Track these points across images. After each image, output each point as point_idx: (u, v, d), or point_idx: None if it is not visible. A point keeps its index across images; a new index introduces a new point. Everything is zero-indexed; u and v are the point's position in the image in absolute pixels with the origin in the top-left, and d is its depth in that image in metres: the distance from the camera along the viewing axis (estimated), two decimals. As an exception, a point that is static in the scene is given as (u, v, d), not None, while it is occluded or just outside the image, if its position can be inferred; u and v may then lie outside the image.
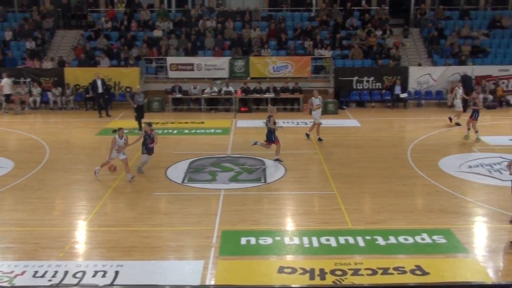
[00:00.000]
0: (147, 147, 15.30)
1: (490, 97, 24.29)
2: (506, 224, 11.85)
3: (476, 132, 18.68)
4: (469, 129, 18.85)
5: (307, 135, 19.09)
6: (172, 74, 25.87)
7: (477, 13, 29.96)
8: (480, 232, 11.76)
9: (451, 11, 30.04)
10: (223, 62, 25.81)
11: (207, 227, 11.73)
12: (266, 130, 16.71)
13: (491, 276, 9.69)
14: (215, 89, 24.63)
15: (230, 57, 25.95)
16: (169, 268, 10.01)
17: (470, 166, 15.93)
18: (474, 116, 18.49)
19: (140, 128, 19.94)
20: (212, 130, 20.74)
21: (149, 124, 15.70)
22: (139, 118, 20.46)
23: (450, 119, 21.31)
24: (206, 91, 24.70)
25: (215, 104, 24.76)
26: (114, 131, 15.35)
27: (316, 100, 18.78)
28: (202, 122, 22.22)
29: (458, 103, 21.49)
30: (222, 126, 21.36)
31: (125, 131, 15.47)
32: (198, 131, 20.76)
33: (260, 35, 27.39)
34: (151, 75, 26.69)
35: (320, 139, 18.63)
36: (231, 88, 24.58)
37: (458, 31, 27.54)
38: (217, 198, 13.49)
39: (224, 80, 25.45)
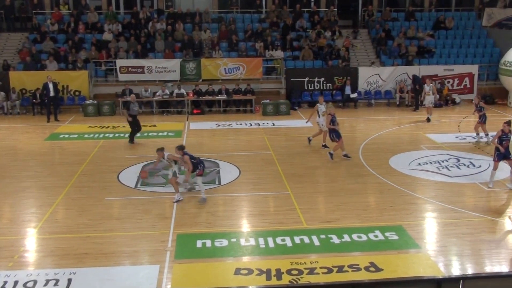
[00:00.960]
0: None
1: (437, 96, 24.97)
2: (454, 219, 12.23)
3: (487, 135, 18.61)
4: (477, 134, 18.84)
5: (309, 140, 18.44)
6: (122, 77, 25.47)
7: (422, 14, 30.81)
8: (430, 228, 12.08)
9: (397, 12, 30.78)
10: (174, 64, 25.60)
11: (161, 231, 11.61)
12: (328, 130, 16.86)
13: (442, 270, 9.96)
14: (167, 91, 24.40)
15: (181, 59, 25.76)
16: (123, 273, 9.84)
17: (419, 164, 16.35)
18: (482, 119, 18.44)
19: (132, 141, 18.92)
20: (165, 133, 20.53)
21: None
22: (136, 129, 19.18)
23: (427, 119, 22.05)
24: (157, 93, 24.44)
25: (167, 106, 24.52)
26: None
27: (322, 107, 17.86)
28: (154, 125, 21.97)
29: (429, 99, 22.14)
30: (175, 128, 21.17)
31: (75, 135, 15.10)
32: (150, 134, 20.50)
33: (211, 37, 27.32)
34: (100, 78, 26.20)
35: (325, 146, 17.85)
36: (183, 91, 24.40)
37: (404, 32, 28.25)
38: (171, 201, 13.35)
39: (175, 82, 25.24)
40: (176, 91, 24.44)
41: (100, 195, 13.83)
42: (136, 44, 26.63)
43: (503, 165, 15.89)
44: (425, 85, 22.49)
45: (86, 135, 20.29)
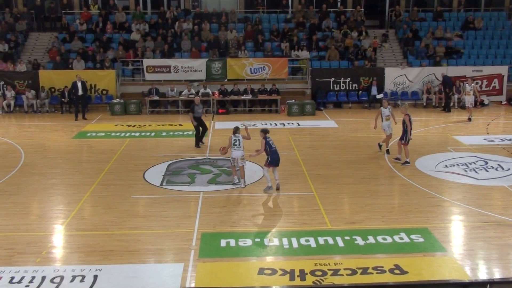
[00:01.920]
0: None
1: (466, 98, 24.61)
2: (482, 222, 12.04)
3: None
4: None
5: (379, 146, 17.79)
6: (148, 76, 25.70)
7: (450, 14, 30.42)
8: (457, 231, 11.91)
9: (425, 12, 30.44)
10: (200, 64, 25.73)
11: (186, 229, 11.67)
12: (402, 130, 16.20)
13: (469, 274, 9.82)
14: (193, 91, 24.55)
15: (207, 59, 25.89)
16: (148, 271, 9.93)
17: (446, 166, 16.13)
18: None
19: (198, 144, 18.41)
20: (190, 132, 20.62)
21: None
22: (201, 131, 18.60)
23: (469, 119, 22.18)
24: (183, 93, 24.59)
25: (192, 106, 24.66)
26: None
27: (386, 111, 17.30)
28: (180, 124, 22.12)
29: (469, 100, 22.33)
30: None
31: (102, 134, 15.30)
32: (176, 133, 20.66)
33: (236, 37, 27.39)
34: (127, 77, 26.49)
35: (387, 151, 17.38)
36: (208, 90, 24.52)
37: (432, 32, 27.92)
38: (196, 200, 13.43)
39: (201, 82, 25.38)
40: (201, 90, 24.57)
41: (126, 193, 13.98)
42: (163, 43, 26.85)
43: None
44: (467, 84, 22.72)
45: (112, 134, 20.54)
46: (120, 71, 26.04)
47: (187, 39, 27.23)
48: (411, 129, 16.16)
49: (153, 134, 20.56)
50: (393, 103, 25.50)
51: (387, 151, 17.47)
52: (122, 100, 24.65)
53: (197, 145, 18.50)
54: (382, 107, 17.53)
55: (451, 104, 24.77)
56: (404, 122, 16.15)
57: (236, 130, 14.63)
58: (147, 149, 18.30)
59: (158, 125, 21.92)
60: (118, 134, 20.54)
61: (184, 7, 30.41)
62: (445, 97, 24.49)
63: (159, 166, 16.32)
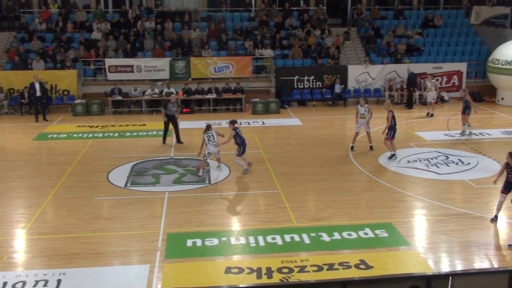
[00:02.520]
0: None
1: (426, 94, 25.10)
2: (444, 216, 12.29)
3: (466, 125, 19.47)
4: (464, 124, 19.50)
5: (371, 148, 17.71)
6: (111, 76, 25.34)
7: (410, 12, 30.93)
8: (419, 225, 12.14)
9: (386, 11, 30.88)
10: (163, 63, 25.51)
11: (151, 230, 11.57)
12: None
13: (432, 267, 10.01)
14: (156, 90, 24.32)
15: (170, 58, 25.67)
16: (113, 274, 9.80)
17: (408, 161, 16.41)
18: (466, 111, 19.20)
19: (164, 141, 18.57)
20: (154, 132, 20.46)
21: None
22: (174, 131, 18.79)
23: (431, 114, 22.73)
24: (147, 93, 24.34)
25: (156, 105, 24.43)
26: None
27: (361, 109, 17.28)
28: (144, 124, 21.89)
29: (431, 96, 22.94)
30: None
31: (63, 135, 15.04)
32: (140, 133, 20.44)
33: (200, 36, 27.26)
34: (89, 77, 26.05)
35: (352, 148, 17.66)
36: (172, 90, 24.32)
37: (393, 30, 28.35)
38: (162, 200, 13.33)
39: (165, 81, 25.17)
40: (165, 90, 24.36)
41: (89, 195, 13.76)
42: (125, 43, 26.52)
43: (486, 161, 16.09)
44: (427, 81, 23.30)
45: (75, 135, 20.18)
46: (81, 71, 25.59)
47: (150, 38, 26.95)
48: (393, 124, 16.53)
49: (116, 134, 20.29)
50: (356, 100, 25.85)
51: (352, 148, 17.67)
52: (84, 101, 24.23)
53: (164, 141, 18.63)
54: (359, 105, 17.64)
55: (414, 100, 25.23)
56: (388, 118, 16.51)
57: (208, 128, 15.23)
58: (111, 150, 18.05)
59: (121, 126, 21.64)
60: (80, 135, 20.19)
61: (147, 6, 30.07)
62: (408, 94, 24.90)
63: (123, 167, 16.12)
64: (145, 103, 24.44)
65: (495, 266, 10.03)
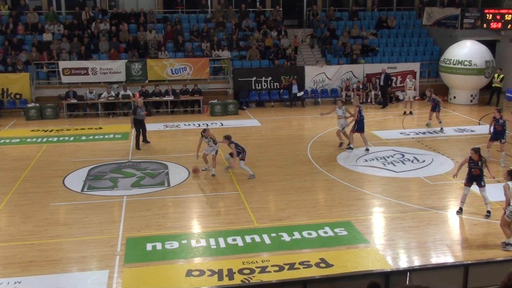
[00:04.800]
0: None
1: (409, 92, 25.47)
2: (401, 213, 12.55)
3: (430, 120, 20.68)
4: (440, 122, 20.33)
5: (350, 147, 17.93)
6: (65, 79, 24.80)
7: (365, 13, 31.44)
8: (378, 222, 12.35)
9: (341, 12, 31.28)
10: (119, 65, 25.14)
11: (110, 235, 11.39)
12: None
13: (390, 263, 10.20)
14: (112, 93, 23.94)
15: (126, 60, 25.33)
16: (71, 280, 9.61)
17: (366, 160, 16.68)
18: (436, 108, 20.23)
19: (139, 146, 18.12)
20: (111, 136, 20.15)
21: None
22: (142, 133, 18.49)
23: (406, 113, 23.33)
24: (102, 95, 23.94)
25: (112, 108, 24.06)
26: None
27: (339, 111, 17.81)
28: (100, 128, 21.52)
29: (411, 94, 23.81)
30: (121, 131, 20.79)
31: (16, 140, 14.63)
32: (96, 137, 20.08)
33: (156, 37, 26.99)
34: (42, 80, 25.43)
35: (341, 144, 18.15)
36: (129, 92, 24.00)
37: (348, 31, 28.75)
38: (120, 205, 13.14)
39: (121, 83, 24.81)
40: (122, 92, 24.02)
41: (44, 201, 13.44)
42: (79, 45, 26.01)
43: (440, 159, 16.51)
44: (408, 80, 24.01)
45: (28, 140, 19.67)
46: (34, 74, 24.96)
47: (104, 40, 26.52)
48: (355, 119, 17.40)
49: (72, 138, 19.87)
50: (313, 100, 26.11)
51: (341, 144, 18.12)
52: (37, 104, 23.63)
53: (137, 147, 18.20)
54: (337, 107, 18.19)
55: (369, 100, 25.67)
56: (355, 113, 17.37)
57: (205, 131, 15.66)
58: (66, 154, 17.66)
59: (77, 129, 21.20)
60: (34, 139, 19.68)
61: (101, 7, 29.58)
62: (382, 93, 25.30)
63: (79, 171, 15.80)
64: (101, 106, 24.03)
65: (451, 260, 10.29)
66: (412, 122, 21.83)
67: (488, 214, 12.30)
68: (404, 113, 23.36)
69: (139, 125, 18.39)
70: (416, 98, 26.17)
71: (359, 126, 17.57)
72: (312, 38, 28.63)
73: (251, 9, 30.11)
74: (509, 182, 10.71)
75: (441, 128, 20.23)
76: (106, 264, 10.11)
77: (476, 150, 12.21)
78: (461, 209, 12.48)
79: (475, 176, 12.17)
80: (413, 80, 24.07)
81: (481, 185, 12.20)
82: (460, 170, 12.54)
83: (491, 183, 13.33)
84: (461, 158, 16.55)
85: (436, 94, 26.61)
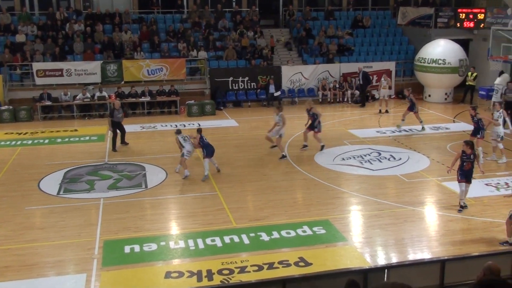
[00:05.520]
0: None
1: (357, 92, 25.77)
2: (378, 211, 12.66)
3: (402, 120, 20.49)
4: (421, 121, 20.36)
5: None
6: (39, 80, 24.46)
7: (341, 13, 31.64)
8: (355, 220, 12.44)
9: (317, 12, 31.44)
10: (94, 66, 24.89)
11: (87, 238, 11.28)
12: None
13: (368, 261, 10.28)
14: (88, 94, 23.69)
15: (101, 61, 25.09)
16: (48, 285, 9.49)
17: (343, 159, 16.79)
18: (414, 109, 20.18)
19: (114, 148, 17.95)
20: (87, 138, 19.94)
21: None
22: (120, 135, 18.40)
23: (382, 111, 23.51)
24: (78, 97, 23.67)
25: (88, 110, 23.81)
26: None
27: (276, 118, 17.23)
28: (76, 130, 21.27)
29: (385, 93, 23.95)
30: (98, 132, 20.59)
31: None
32: (72, 139, 19.84)
33: (132, 38, 26.79)
34: (16, 82, 25.03)
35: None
36: (104, 93, 23.77)
37: (324, 31, 28.90)
38: (97, 207, 13.01)
39: (96, 85, 24.56)
40: (97, 94, 23.79)
41: (20, 205, 13.23)
42: (54, 46, 25.67)
43: (416, 156, 16.68)
44: (382, 79, 24.14)
45: (2, 143, 19.35)
46: (7, 76, 24.57)
47: (79, 41, 26.22)
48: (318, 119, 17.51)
49: (47, 141, 19.61)
50: (290, 100, 26.18)
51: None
52: (11, 107, 23.26)
53: (114, 149, 18.04)
54: (274, 114, 17.78)
55: (345, 99, 25.87)
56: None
57: (179, 132, 15.74)
58: (41, 157, 17.42)
59: (52, 132, 20.92)
60: (8, 143, 19.38)
61: (75, 8, 29.26)
62: (361, 92, 25.46)
63: (55, 174, 15.60)
64: (76, 108, 23.76)
65: (428, 257, 10.41)
66: (388, 121, 22.03)
67: (461, 209, 12.43)
68: (380, 111, 23.57)
69: (116, 127, 18.22)
70: (392, 97, 26.46)
71: (316, 126, 17.62)
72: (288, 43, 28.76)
73: (227, 9, 30.07)
74: None
75: (422, 127, 20.27)
76: (83, 268, 10.00)
77: (468, 143, 12.30)
78: (461, 206, 12.48)
79: (467, 170, 12.20)
80: (388, 79, 24.30)
81: (469, 181, 12.33)
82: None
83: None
84: (437, 156, 16.89)
85: (413, 92, 27.08)
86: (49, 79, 24.49)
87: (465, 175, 12.29)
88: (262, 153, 17.57)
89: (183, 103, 24.18)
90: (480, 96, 24.48)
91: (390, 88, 24.14)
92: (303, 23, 29.41)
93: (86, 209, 13.02)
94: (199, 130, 15.58)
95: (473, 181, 12.63)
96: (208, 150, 15.18)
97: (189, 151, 15.37)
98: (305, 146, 17.83)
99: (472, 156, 12.17)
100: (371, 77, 25.92)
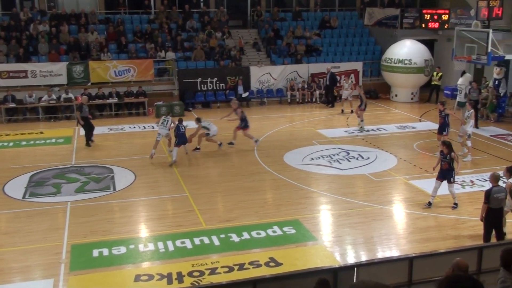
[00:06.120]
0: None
1: (346, 92, 25.83)
2: (347, 210, 12.77)
3: (362, 121, 20.66)
4: (362, 120, 20.70)
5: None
6: (3, 82, 23.90)
7: (308, 14, 31.83)
8: (325, 220, 12.53)
9: (285, 12, 31.55)
10: (60, 67, 24.46)
11: (54, 242, 11.07)
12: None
13: (338, 260, 10.36)
14: (54, 96, 23.28)
15: (67, 62, 24.67)
16: (14, 291, 9.27)
17: (312, 159, 16.88)
18: (361, 106, 20.57)
19: (88, 143, 18.46)
20: (53, 140, 19.58)
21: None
22: (89, 131, 18.66)
23: (344, 112, 23.75)
24: (43, 99, 23.24)
25: (54, 112, 23.39)
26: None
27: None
28: (42, 132, 20.87)
29: (347, 94, 24.30)
30: (64, 135, 20.24)
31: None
32: (37, 142, 19.45)
33: (98, 39, 26.44)
34: (-22, 84, 24.43)
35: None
36: (71, 95, 23.39)
37: (292, 31, 29.03)
38: (64, 211, 12.79)
39: (62, 86, 24.14)
40: (63, 95, 23.39)
41: (-17, 210, 12.92)
42: (18, 47, 25.14)
43: (384, 155, 16.90)
44: (344, 82, 24.62)
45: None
46: (-31, 78, 23.97)
47: (44, 41, 25.75)
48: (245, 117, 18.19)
49: (11, 144, 19.18)
50: (259, 100, 26.21)
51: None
52: (-27, 109, 22.73)
53: (87, 144, 18.55)
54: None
55: (314, 99, 26.02)
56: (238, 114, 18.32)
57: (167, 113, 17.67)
58: (6, 161, 17.03)
59: (16, 134, 20.47)
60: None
61: (39, 8, 28.71)
62: (328, 92, 25.60)
63: (20, 178, 15.26)
64: (42, 110, 23.32)
65: (396, 254, 10.55)
66: (356, 120, 22.23)
67: (455, 206, 12.73)
68: (342, 111, 23.76)
69: (86, 122, 18.53)
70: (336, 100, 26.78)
71: (246, 123, 18.19)
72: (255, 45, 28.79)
73: (195, 10, 29.93)
74: (510, 180, 10.73)
75: (361, 127, 20.57)
76: (50, 273, 9.81)
77: (446, 143, 12.62)
78: (429, 203, 12.79)
79: (444, 170, 12.49)
80: (350, 81, 24.51)
81: (450, 181, 12.57)
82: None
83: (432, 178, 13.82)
84: (404, 155, 17.16)
85: (380, 92, 27.48)
86: (13, 80, 23.96)
87: (442, 174, 12.58)
88: (231, 154, 17.54)
89: (151, 104, 23.98)
90: (445, 96, 24.94)
91: (353, 89, 24.25)
92: (271, 24, 29.49)
93: (53, 213, 12.78)
94: (180, 120, 16.81)
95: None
96: (180, 140, 16.40)
97: (160, 134, 16.75)
98: (231, 143, 18.31)
99: (448, 157, 12.41)
100: (338, 77, 26.12)
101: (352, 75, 27.29)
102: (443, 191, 12.94)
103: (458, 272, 5.91)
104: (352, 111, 23.59)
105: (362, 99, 20.59)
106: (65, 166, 16.39)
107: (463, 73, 22.87)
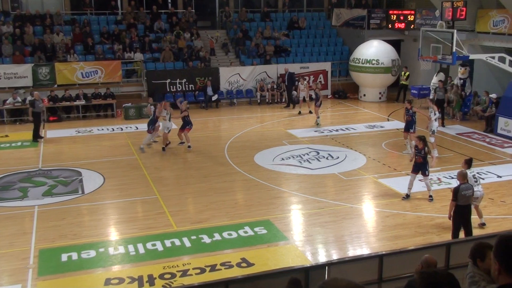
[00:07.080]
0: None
1: (295, 93, 26.04)
2: (318, 209, 12.85)
3: (318, 117, 21.26)
4: (316, 115, 21.37)
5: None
6: (-34, 85, 23.35)
7: (276, 15, 31.93)
8: (296, 219, 12.58)
9: (253, 13, 31.59)
10: (25, 69, 23.99)
11: (21, 248, 10.85)
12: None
13: (310, 259, 10.42)
14: (19, 99, 22.81)
15: (32, 64, 24.21)
16: (-20, 298, 9.05)
17: (282, 159, 16.94)
18: (316, 103, 21.23)
19: (36, 139, 19.09)
20: (19, 143, 19.19)
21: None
22: (38, 126, 19.27)
23: (301, 113, 23.89)
24: (8, 101, 22.75)
25: (19, 115, 22.90)
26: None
27: (164, 112, 18.35)
28: (7, 136, 20.41)
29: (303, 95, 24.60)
30: (30, 138, 19.81)
31: None
32: (2, 145, 19.03)
33: (64, 40, 26.02)
34: None
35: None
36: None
37: (261, 32, 29.09)
38: (31, 215, 12.54)
39: (28, 89, 23.68)
40: (28, 98, 22.92)
41: None
42: (-20, 49, 24.58)
43: (353, 155, 17.08)
44: (299, 83, 24.64)
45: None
46: None
47: (8, 43, 25.21)
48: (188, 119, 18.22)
49: (-24, 147, 18.74)
50: (228, 101, 26.18)
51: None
52: None
53: (35, 139, 19.07)
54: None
55: (283, 100, 26.12)
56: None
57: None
58: (-30, 165, 16.63)
59: (-19, 138, 20.02)
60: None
61: (3, 9, 28.11)
62: (287, 93, 25.67)
63: (-15, 182, 14.92)
64: (6, 113, 22.82)
65: (367, 252, 10.66)
66: (326, 120, 22.41)
67: (431, 198, 13.12)
68: (299, 113, 23.80)
69: (36, 117, 19.18)
70: (329, 97, 26.98)
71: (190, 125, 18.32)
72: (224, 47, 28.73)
73: (163, 11, 29.71)
74: (467, 170, 11.16)
75: (318, 124, 21.20)
76: (18, 279, 9.61)
77: (421, 138, 13.02)
78: (407, 195, 13.20)
79: (418, 163, 12.91)
80: (305, 82, 24.63)
81: (424, 174, 13.01)
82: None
83: (401, 176, 14.01)
84: (373, 154, 17.35)
85: (348, 92, 27.78)
86: (-24, 83, 23.41)
87: (416, 168, 13.00)
88: (201, 155, 17.47)
89: (119, 106, 23.71)
90: (412, 95, 25.32)
91: (308, 89, 24.41)
92: (240, 25, 29.49)
93: (20, 217, 12.53)
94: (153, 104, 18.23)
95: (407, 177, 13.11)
96: (153, 127, 17.94)
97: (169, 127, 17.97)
98: (181, 143, 18.57)
99: (422, 151, 12.74)
100: (298, 78, 26.16)
101: (321, 75, 27.49)
102: (414, 189, 13.17)
103: (428, 268, 5.99)
104: (310, 112, 23.62)
105: (318, 96, 21.10)
106: (31, 169, 16.07)
107: (438, 72, 23.31)
